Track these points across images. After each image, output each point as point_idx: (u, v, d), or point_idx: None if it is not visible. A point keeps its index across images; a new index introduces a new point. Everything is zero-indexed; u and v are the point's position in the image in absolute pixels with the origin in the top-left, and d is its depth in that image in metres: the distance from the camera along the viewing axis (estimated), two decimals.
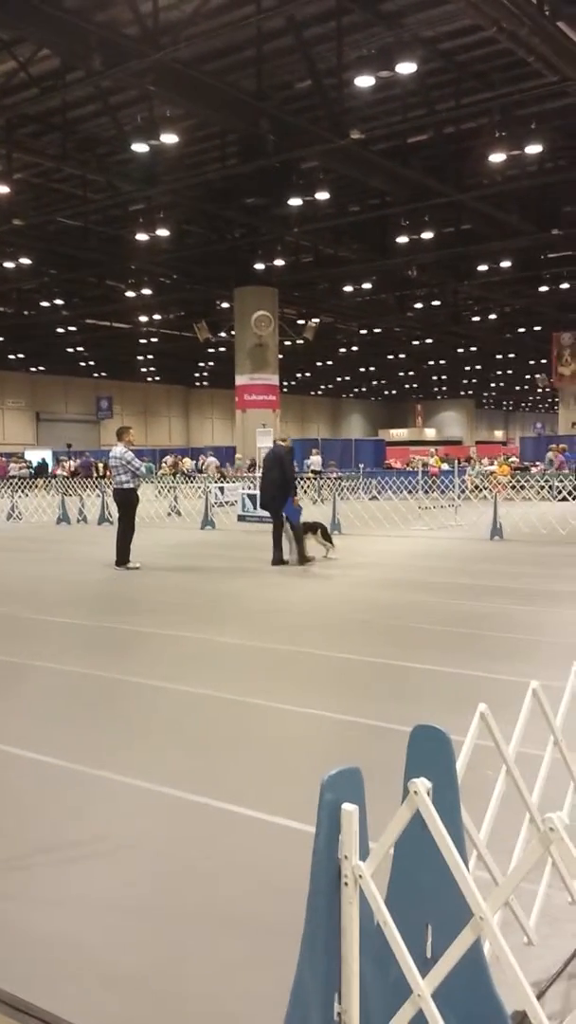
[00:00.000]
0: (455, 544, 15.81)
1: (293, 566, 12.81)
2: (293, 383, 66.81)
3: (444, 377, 72.59)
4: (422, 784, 1.94)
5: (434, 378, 73.51)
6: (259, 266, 31.67)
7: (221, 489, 25.21)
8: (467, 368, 67.46)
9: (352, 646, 7.48)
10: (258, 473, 29.98)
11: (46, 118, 21.19)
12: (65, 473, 39.83)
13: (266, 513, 17.75)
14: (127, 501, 12.91)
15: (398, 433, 72.13)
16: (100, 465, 42.09)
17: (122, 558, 12.71)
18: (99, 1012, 2.61)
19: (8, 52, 17.45)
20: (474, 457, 41.22)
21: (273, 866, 3.50)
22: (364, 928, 1.97)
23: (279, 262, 32.00)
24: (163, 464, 42.52)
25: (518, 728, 2.85)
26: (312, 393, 78.78)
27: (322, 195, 24.57)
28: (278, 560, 12.88)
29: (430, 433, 74.17)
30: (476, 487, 25.10)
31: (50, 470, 45.69)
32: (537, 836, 1.84)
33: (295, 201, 24.32)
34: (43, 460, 46.87)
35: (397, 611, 9.19)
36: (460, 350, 56.44)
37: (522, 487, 24.21)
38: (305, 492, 26.33)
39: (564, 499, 23.47)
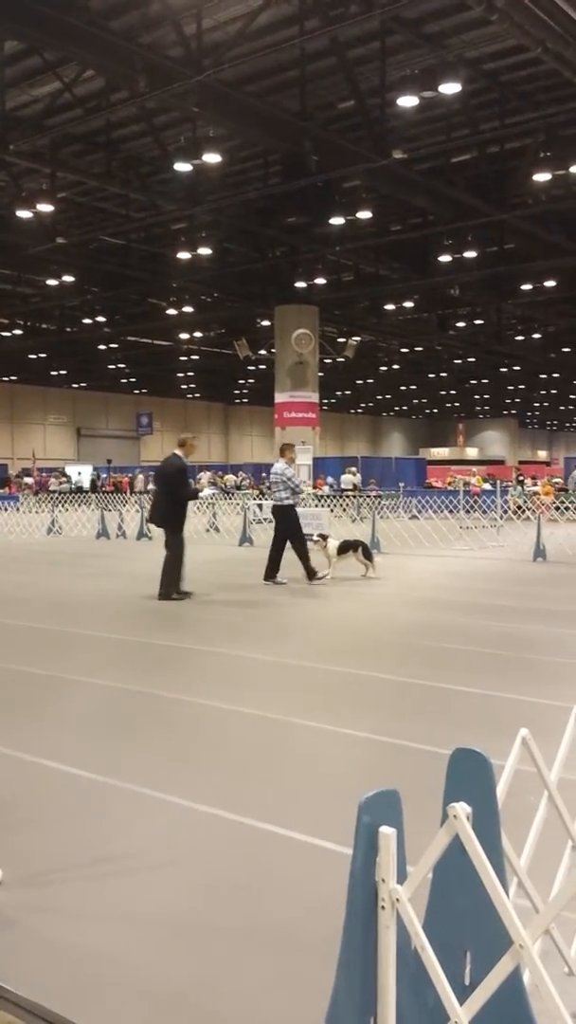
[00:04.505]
0: (497, 565, 15.68)
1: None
2: (333, 401, 66.87)
3: (486, 396, 72.22)
4: (462, 808, 1.92)
5: (476, 397, 73.18)
6: (300, 284, 31.81)
7: (259, 506, 25.24)
8: (510, 387, 67.08)
9: (391, 667, 7.43)
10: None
11: (90, 138, 21.51)
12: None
13: (305, 531, 17.62)
14: (286, 517, 13.04)
15: (439, 452, 71.85)
16: (125, 481, 42.49)
17: (308, 570, 12.87)
18: None
19: (53, 73, 17.74)
20: (521, 478, 40.67)
21: (309, 886, 3.47)
22: (401, 952, 1.95)
23: (320, 280, 32.13)
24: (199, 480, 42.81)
25: (560, 753, 2.81)
26: (352, 411, 78.79)
27: (364, 214, 24.63)
28: (166, 592, 11.38)
29: (472, 452, 73.81)
30: (519, 507, 24.89)
31: (91, 485, 46.17)
32: None
33: (336, 220, 24.41)
34: (77, 480, 47.28)
35: (437, 632, 9.12)
36: (503, 369, 56.16)
37: (567, 508, 23.97)
38: (344, 511, 26.32)
39: None
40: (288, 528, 12.96)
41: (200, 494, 12.67)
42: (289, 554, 12.92)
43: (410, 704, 6.31)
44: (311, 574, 12.86)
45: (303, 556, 12.90)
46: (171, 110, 19.29)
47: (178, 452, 11.67)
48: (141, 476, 42.37)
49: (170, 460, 11.69)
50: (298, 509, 13.39)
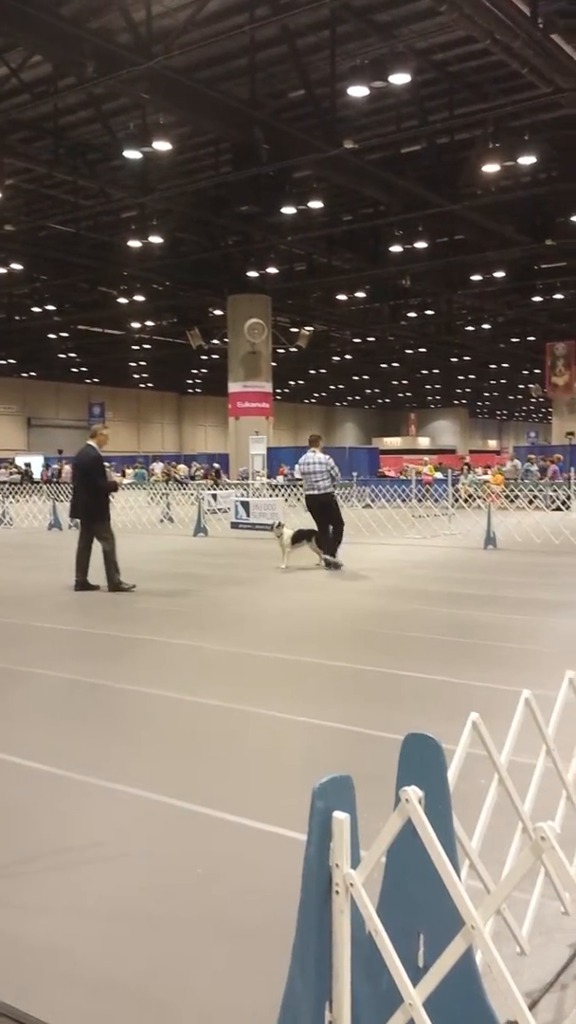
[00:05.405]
0: (449, 553, 15.82)
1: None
2: (286, 391, 66.92)
3: (437, 386, 72.80)
4: (413, 792, 1.93)
5: (427, 387, 73.74)
6: (252, 274, 31.76)
7: (214, 496, 25.20)
8: (460, 377, 67.70)
9: (345, 654, 7.47)
10: (250, 481, 30.08)
11: (38, 124, 21.22)
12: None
13: (260, 521, 17.68)
14: (331, 503, 13.44)
15: (391, 442, 72.22)
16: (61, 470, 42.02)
17: (331, 552, 13.28)
18: (91, 1020, 2.59)
19: (0, 58, 17.47)
20: (466, 465, 41.14)
21: (265, 874, 3.48)
22: (355, 936, 1.96)
23: (272, 270, 32.10)
24: (151, 470, 42.59)
25: (510, 737, 2.85)
26: (305, 401, 78.88)
27: (315, 204, 24.66)
28: (83, 584, 11.25)
29: (424, 442, 74.28)
30: (470, 496, 25.12)
31: (40, 476, 45.68)
32: (529, 845, 1.83)
33: (288, 209, 24.38)
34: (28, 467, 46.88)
35: (390, 619, 9.18)
36: (454, 359, 56.64)
37: (516, 496, 24.25)
38: (299, 500, 26.33)
39: (557, 509, 23.51)
40: (335, 514, 13.40)
41: (119, 486, 12.67)
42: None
43: (363, 691, 6.35)
44: (333, 560, 13.28)
45: (337, 540, 13.41)
46: (120, 96, 19.11)
47: (91, 443, 11.53)
48: (68, 467, 41.91)
49: (85, 451, 11.54)
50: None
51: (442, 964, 1.90)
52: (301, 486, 23.18)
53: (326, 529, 13.49)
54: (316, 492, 13.40)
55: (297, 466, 14.83)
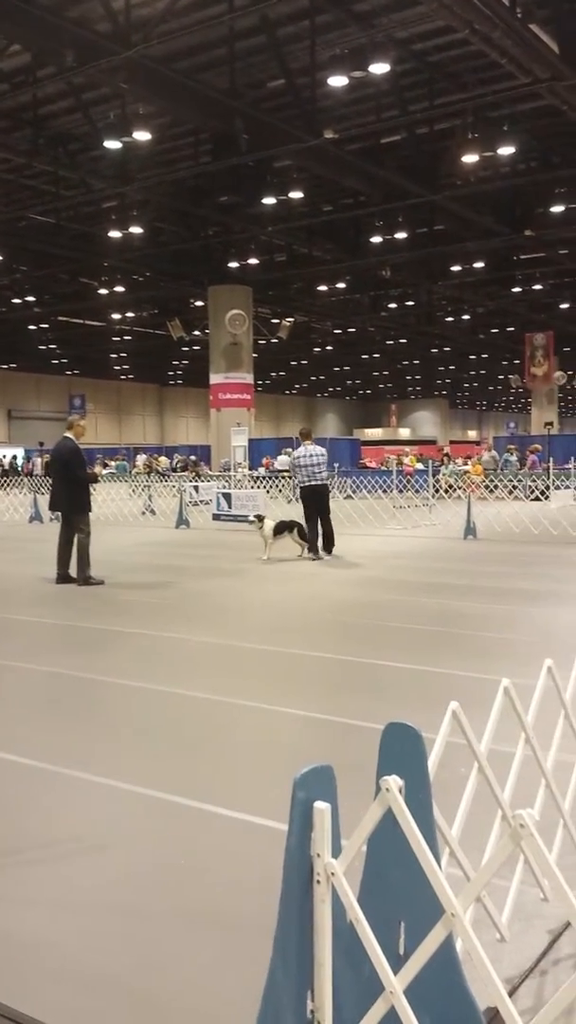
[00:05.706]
0: (429, 543, 15.87)
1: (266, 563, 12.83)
2: (268, 382, 66.76)
3: (418, 377, 72.77)
4: (394, 781, 1.94)
5: (408, 378, 73.70)
6: (233, 265, 31.65)
7: (196, 488, 25.14)
8: (441, 368, 67.71)
9: (325, 645, 7.49)
10: (232, 472, 30.02)
11: (17, 113, 21.04)
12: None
13: (242, 513, 17.71)
14: (327, 493, 13.99)
15: (373, 432, 72.20)
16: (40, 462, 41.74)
17: (329, 544, 13.71)
18: (76, 1014, 2.59)
19: None
20: (446, 455, 41.28)
21: (247, 864, 3.49)
22: (336, 926, 1.97)
23: (253, 261, 32.01)
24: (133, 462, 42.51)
25: (490, 725, 2.86)
26: (287, 392, 78.74)
27: (296, 194, 24.59)
28: (64, 577, 11.25)
29: (404, 433, 74.30)
30: (450, 486, 25.19)
31: (21, 468, 45.51)
32: (509, 833, 1.85)
33: (269, 200, 24.32)
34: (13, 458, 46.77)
35: (371, 610, 9.21)
36: (434, 350, 56.66)
37: (496, 486, 24.34)
38: (280, 492, 26.35)
39: (536, 499, 23.61)
40: (327, 504, 13.85)
41: (99, 477, 12.79)
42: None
43: (345, 681, 6.37)
44: (317, 550, 13.59)
45: (329, 538, 13.74)
46: (100, 86, 18.98)
47: (68, 435, 11.50)
48: (39, 460, 41.74)
49: (63, 443, 11.49)
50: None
51: (423, 952, 1.91)
52: (289, 478, 23.31)
53: (315, 520, 13.61)
54: (316, 482, 13.68)
55: (291, 459, 14.95)
